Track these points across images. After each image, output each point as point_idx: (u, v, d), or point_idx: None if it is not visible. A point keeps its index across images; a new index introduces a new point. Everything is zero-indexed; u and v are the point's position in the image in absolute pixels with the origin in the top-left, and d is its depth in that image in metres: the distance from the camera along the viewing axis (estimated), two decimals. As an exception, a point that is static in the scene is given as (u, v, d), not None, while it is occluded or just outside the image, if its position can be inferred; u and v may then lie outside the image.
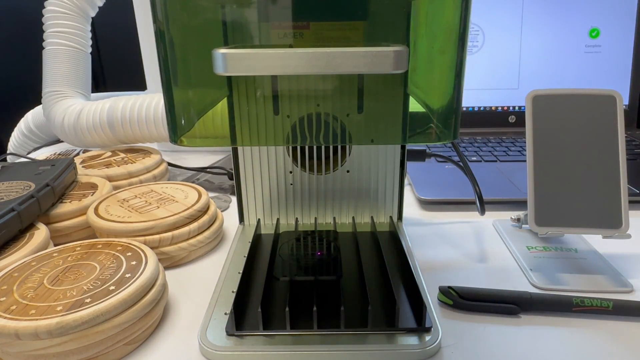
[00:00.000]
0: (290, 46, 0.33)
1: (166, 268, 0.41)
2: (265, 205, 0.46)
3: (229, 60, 0.26)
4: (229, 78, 0.35)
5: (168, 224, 0.41)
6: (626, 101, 0.79)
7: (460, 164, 0.53)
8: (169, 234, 0.41)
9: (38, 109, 0.84)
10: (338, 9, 0.33)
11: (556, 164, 0.39)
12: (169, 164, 0.63)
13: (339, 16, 0.33)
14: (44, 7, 0.65)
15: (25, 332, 0.27)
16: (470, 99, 0.81)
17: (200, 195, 0.46)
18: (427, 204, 0.54)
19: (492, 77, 0.80)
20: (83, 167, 0.56)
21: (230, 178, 0.61)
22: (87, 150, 0.69)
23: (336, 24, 0.33)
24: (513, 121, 0.81)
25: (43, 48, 0.65)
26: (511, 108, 0.81)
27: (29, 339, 0.27)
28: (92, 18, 0.69)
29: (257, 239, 0.43)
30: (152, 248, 0.37)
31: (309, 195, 0.45)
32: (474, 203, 0.47)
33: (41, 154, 0.78)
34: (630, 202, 0.38)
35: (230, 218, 0.50)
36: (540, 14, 0.78)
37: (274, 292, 0.35)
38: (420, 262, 0.41)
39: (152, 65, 0.74)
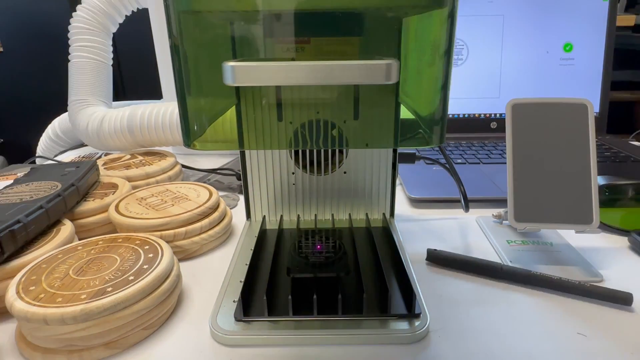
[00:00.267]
0: (293, 59, 0.33)
1: (180, 260, 0.41)
2: (270, 203, 0.46)
3: (238, 72, 0.26)
4: (237, 88, 0.35)
5: (182, 220, 0.41)
6: (597, 109, 0.79)
7: (447, 165, 0.53)
8: (183, 229, 0.41)
9: (64, 115, 0.84)
10: (336, 25, 0.33)
11: (533, 165, 0.39)
12: (183, 166, 0.63)
13: (337, 32, 0.33)
14: (70, 24, 0.65)
15: (52, 318, 0.27)
16: (456, 106, 0.81)
17: (211, 194, 0.45)
18: (417, 202, 0.54)
19: (475, 87, 0.80)
20: (105, 168, 0.56)
21: (238, 178, 0.61)
22: (109, 154, 0.69)
23: (334, 39, 0.33)
24: (494, 127, 0.81)
25: (69, 61, 0.65)
26: (493, 115, 0.81)
27: (56, 324, 0.27)
28: (113, 33, 0.69)
29: (262, 234, 0.43)
30: (167, 242, 0.37)
31: (309, 194, 0.45)
32: (459, 201, 0.47)
33: (67, 157, 0.78)
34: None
35: (238, 215, 0.50)
36: (519, 30, 0.78)
37: (278, 282, 0.35)
38: (411, 254, 0.41)
39: (167, 76, 0.74)
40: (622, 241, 0.43)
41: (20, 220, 0.34)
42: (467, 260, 0.38)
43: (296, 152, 0.44)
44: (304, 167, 0.44)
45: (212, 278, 0.38)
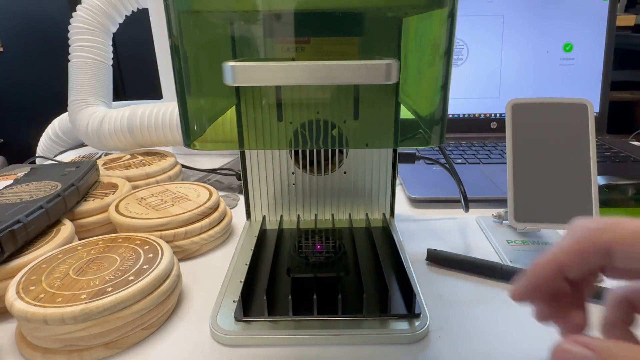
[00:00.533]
0: (293, 59, 0.33)
1: (180, 260, 0.41)
2: (270, 203, 0.46)
3: (238, 72, 0.26)
4: (237, 88, 0.35)
5: (182, 220, 0.41)
6: (597, 109, 0.79)
7: (447, 165, 0.53)
8: (183, 229, 0.41)
9: (64, 115, 0.84)
10: (336, 25, 0.33)
11: (533, 165, 0.39)
12: (183, 166, 0.63)
13: (337, 32, 0.33)
14: (70, 24, 0.65)
15: (52, 318, 0.27)
16: (456, 106, 0.81)
17: (211, 194, 0.45)
18: (417, 202, 0.54)
19: (475, 87, 0.80)
20: (105, 168, 0.56)
21: (238, 178, 0.61)
22: (109, 154, 0.69)
23: (334, 39, 0.33)
24: (494, 127, 0.81)
25: (69, 61, 0.65)
26: (493, 115, 0.81)
27: (56, 324, 0.27)
28: (113, 33, 0.69)
29: (262, 234, 0.43)
30: (167, 242, 0.37)
31: (309, 194, 0.45)
32: (459, 201, 0.47)
33: (67, 157, 0.78)
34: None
35: (238, 215, 0.50)
36: (519, 30, 0.78)
37: (278, 282, 0.35)
38: (411, 254, 0.41)
39: (167, 76, 0.74)
40: None
41: (20, 220, 0.34)
42: (467, 260, 0.38)
43: (296, 152, 0.44)
44: (304, 167, 0.44)
45: (212, 278, 0.38)
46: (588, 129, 0.38)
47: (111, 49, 0.68)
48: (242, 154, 0.43)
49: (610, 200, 0.49)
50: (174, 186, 0.49)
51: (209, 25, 0.32)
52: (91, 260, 0.33)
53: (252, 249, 0.38)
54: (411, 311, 0.31)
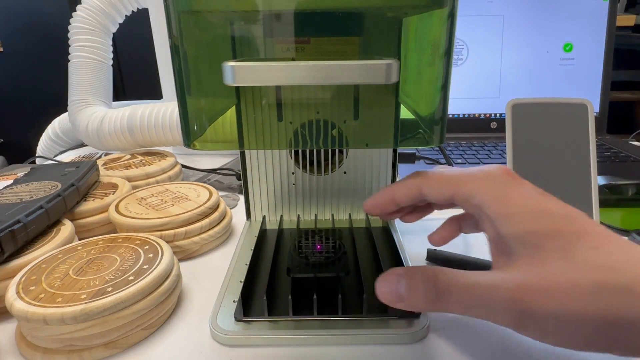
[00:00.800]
0: (293, 59, 0.33)
1: (180, 260, 0.41)
2: (270, 203, 0.46)
3: (237, 72, 0.26)
4: (237, 88, 0.35)
5: (182, 220, 0.41)
6: (597, 109, 0.79)
7: (447, 166, 0.53)
8: (183, 229, 0.41)
9: (64, 115, 0.84)
10: (336, 25, 0.33)
11: (533, 165, 0.39)
12: (183, 166, 0.63)
13: (337, 32, 0.33)
14: (70, 24, 0.65)
15: (52, 318, 0.27)
16: (456, 106, 0.81)
17: (211, 194, 0.45)
18: (417, 202, 0.54)
19: (475, 87, 0.80)
20: (105, 168, 0.56)
21: (238, 178, 0.61)
22: (109, 154, 0.69)
23: (334, 39, 0.33)
24: (494, 127, 0.81)
25: (69, 61, 0.65)
26: (493, 115, 0.81)
27: (56, 324, 0.27)
28: (113, 33, 0.69)
29: (262, 234, 0.43)
30: (167, 242, 0.37)
31: (309, 194, 0.45)
32: (459, 201, 0.46)
33: (67, 157, 0.78)
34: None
35: (238, 215, 0.50)
36: (519, 30, 0.78)
37: (278, 282, 0.35)
38: (411, 254, 0.41)
39: (167, 76, 0.74)
40: None
41: (20, 220, 0.34)
42: (467, 260, 0.38)
43: (296, 152, 0.44)
44: (304, 167, 0.44)
45: (212, 278, 0.38)
46: (588, 129, 0.38)
47: (111, 49, 0.68)
48: (242, 154, 0.43)
49: (610, 200, 0.49)
50: (174, 186, 0.49)
51: (209, 25, 0.32)
52: (91, 260, 0.33)
53: (252, 249, 0.38)
54: (411, 311, 0.31)
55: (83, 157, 0.75)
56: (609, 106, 0.79)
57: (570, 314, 0.20)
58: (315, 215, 0.46)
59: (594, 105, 0.48)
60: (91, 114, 0.64)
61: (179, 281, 0.34)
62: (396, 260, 0.37)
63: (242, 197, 0.50)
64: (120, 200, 0.45)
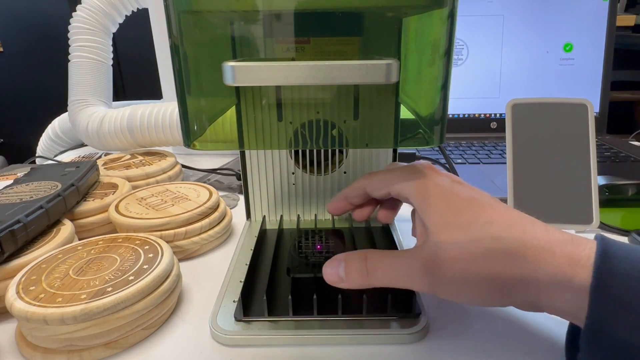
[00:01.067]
0: (293, 59, 0.33)
1: (180, 260, 0.41)
2: (270, 203, 0.46)
3: (237, 72, 0.26)
4: (237, 88, 0.35)
5: (182, 220, 0.41)
6: (597, 109, 0.79)
7: (447, 165, 0.53)
8: (183, 229, 0.41)
9: (64, 115, 0.84)
10: (336, 25, 0.33)
11: (533, 165, 0.39)
12: (183, 166, 0.63)
13: (337, 32, 0.33)
14: (70, 24, 0.65)
15: (52, 318, 0.27)
16: (456, 106, 0.81)
17: (211, 194, 0.45)
18: (417, 202, 0.54)
19: (475, 87, 0.80)
20: (105, 168, 0.56)
21: (238, 179, 0.61)
22: (109, 154, 0.69)
23: (334, 39, 0.33)
24: (494, 127, 0.81)
25: (69, 61, 0.65)
26: (493, 115, 0.81)
27: (56, 324, 0.27)
28: (113, 33, 0.69)
29: (262, 234, 0.43)
30: (167, 242, 0.37)
31: (309, 194, 0.45)
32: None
33: (67, 157, 0.78)
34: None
35: (238, 215, 0.50)
36: (519, 30, 0.78)
37: (278, 282, 0.35)
38: (410, 254, 0.41)
39: (167, 76, 0.74)
40: (622, 241, 0.43)
41: (20, 220, 0.34)
42: None
43: (296, 152, 0.44)
44: (304, 167, 0.44)
45: (212, 278, 0.38)
46: (588, 129, 0.38)
47: (111, 49, 0.68)
48: (242, 154, 0.43)
49: (610, 200, 0.49)
50: (174, 186, 0.49)
51: (209, 25, 0.32)
52: (91, 260, 0.33)
53: (252, 249, 0.38)
54: (411, 311, 0.31)
55: (83, 157, 0.75)
56: (609, 106, 0.79)
57: (469, 277, 0.25)
58: (315, 215, 0.46)
59: (594, 105, 0.48)
60: (91, 114, 0.64)
61: (179, 281, 0.34)
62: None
63: (242, 197, 0.50)
64: (120, 200, 0.45)
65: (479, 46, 0.79)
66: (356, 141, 0.36)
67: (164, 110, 0.62)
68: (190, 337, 0.31)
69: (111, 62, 0.68)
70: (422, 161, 0.32)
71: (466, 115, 0.81)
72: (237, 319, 0.31)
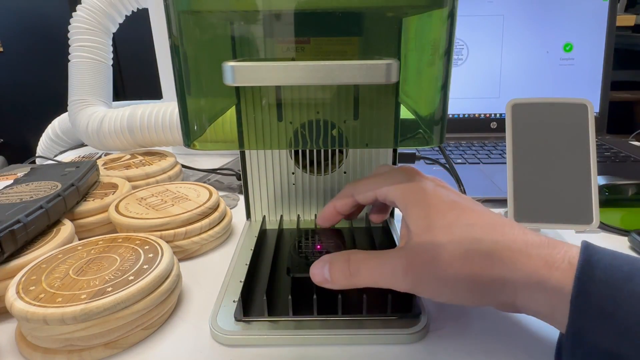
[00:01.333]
0: (293, 59, 0.33)
1: (180, 260, 0.41)
2: (270, 203, 0.46)
3: (237, 72, 0.26)
4: (237, 88, 0.35)
5: (182, 220, 0.41)
6: (597, 109, 0.79)
7: (447, 165, 0.53)
8: (183, 229, 0.41)
9: (64, 115, 0.84)
10: (336, 25, 0.33)
11: (533, 165, 0.39)
12: (183, 166, 0.63)
13: (337, 32, 0.33)
14: (70, 24, 0.65)
15: (52, 318, 0.27)
16: (456, 106, 0.81)
17: (211, 194, 0.45)
18: (417, 202, 0.54)
19: (475, 87, 0.80)
20: (105, 168, 0.56)
21: (238, 179, 0.61)
22: (109, 154, 0.69)
23: (334, 39, 0.33)
24: (494, 127, 0.81)
25: (69, 61, 0.65)
26: (493, 115, 0.81)
27: (56, 324, 0.27)
28: (113, 33, 0.69)
29: (262, 234, 0.43)
30: (167, 242, 0.37)
31: (309, 194, 0.45)
32: (459, 201, 0.46)
33: (67, 157, 0.78)
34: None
35: (238, 215, 0.50)
36: (519, 30, 0.78)
37: (278, 282, 0.35)
38: (410, 254, 0.41)
39: (167, 76, 0.74)
40: (622, 241, 0.43)
41: (20, 220, 0.34)
42: None
43: (296, 152, 0.44)
44: (304, 167, 0.44)
45: (212, 278, 0.38)
46: (588, 129, 0.38)
47: (111, 49, 0.68)
48: (242, 154, 0.43)
49: (610, 200, 0.49)
50: (174, 186, 0.49)
51: (209, 25, 0.32)
52: (91, 260, 0.33)
53: (252, 249, 0.38)
54: (411, 311, 0.31)
55: (83, 157, 0.75)
56: (609, 106, 0.79)
57: (449, 277, 0.26)
58: (315, 215, 0.46)
59: (594, 105, 0.48)
60: (91, 114, 0.64)
61: (179, 281, 0.34)
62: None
63: (242, 197, 0.50)
64: (120, 200, 0.45)
65: (479, 46, 0.79)
66: (356, 141, 0.36)
67: (164, 110, 0.62)
68: (190, 337, 0.31)
69: (111, 62, 0.68)
70: (406, 166, 0.34)
71: (466, 115, 0.81)
72: (237, 319, 0.31)
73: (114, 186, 0.49)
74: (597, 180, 0.38)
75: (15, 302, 0.28)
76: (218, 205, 0.45)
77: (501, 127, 0.81)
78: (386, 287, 0.28)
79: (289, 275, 0.33)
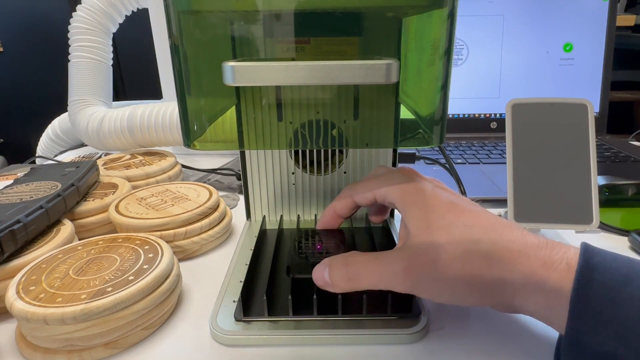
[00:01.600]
0: (293, 59, 0.33)
1: (180, 260, 0.41)
2: (270, 203, 0.46)
3: (237, 72, 0.26)
4: (237, 88, 0.35)
5: (182, 220, 0.41)
6: (597, 109, 0.79)
7: (447, 165, 0.53)
8: (183, 229, 0.41)
9: (64, 115, 0.84)
10: (336, 25, 0.33)
11: (533, 165, 0.39)
12: (183, 166, 0.63)
13: (337, 32, 0.33)
14: (70, 24, 0.65)
15: (52, 318, 0.27)
16: (456, 106, 0.81)
17: (211, 194, 0.45)
18: (417, 202, 0.54)
19: (475, 87, 0.80)
20: (105, 168, 0.56)
21: (238, 178, 0.61)
22: (109, 154, 0.69)
23: (334, 39, 0.33)
24: (494, 127, 0.81)
25: (69, 61, 0.65)
26: (493, 115, 0.81)
27: (56, 324, 0.27)
28: (113, 33, 0.69)
29: (262, 234, 0.43)
30: (167, 242, 0.37)
31: (309, 194, 0.45)
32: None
33: (67, 157, 0.78)
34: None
35: (238, 215, 0.50)
36: (519, 30, 0.78)
37: (278, 282, 0.35)
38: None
39: (167, 76, 0.74)
40: (622, 241, 0.43)
41: (20, 220, 0.34)
42: None
43: (296, 152, 0.44)
44: (304, 167, 0.44)
45: (212, 278, 0.38)
46: (588, 129, 0.38)
47: (111, 49, 0.68)
48: (242, 154, 0.43)
49: (610, 200, 0.49)
50: (174, 186, 0.49)
51: (209, 25, 0.32)
52: (91, 260, 0.33)
53: (252, 249, 0.38)
54: (411, 311, 0.31)
55: (83, 157, 0.75)
56: (609, 106, 0.79)
57: (447, 278, 0.26)
58: (315, 215, 0.46)
59: (594, 105, 0.48)
60: (91, 114, 0.64)
61: (179, 281, 0.34)
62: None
63: (242, 197, 0.50)
64: (120, 200, 0.45)
65: (479, 46, 0.79)
66: (356, 141, 0.36)
67: (164, 110, 0.62)
68: (190, 337, 0.31)
69: (111, 62, 0.68)
70: (403, 168, 0.33)
71: (466, 115, 0.81)
72: (237, 319, 0.31)
73: (114, 186, 0.49)
74: (597, 180, 0.38)
75: (15, 302, 0.28)
76: (218, 205, 0.45)
77: (501, 127, 0.81)
78: (385, 289, 0.28)
79: (289, 276, 0.33)
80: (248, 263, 0.36)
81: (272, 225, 0.45)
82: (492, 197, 0.53)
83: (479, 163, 0.65)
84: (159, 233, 0.40)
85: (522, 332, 0.31)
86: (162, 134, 0.62)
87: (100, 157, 0.70)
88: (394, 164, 0.44)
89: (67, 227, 0.39)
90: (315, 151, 0.44)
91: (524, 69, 0.79)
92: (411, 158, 0.50)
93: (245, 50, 0.32)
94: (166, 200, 0.45)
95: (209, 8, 0.29)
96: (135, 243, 0.35)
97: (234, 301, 0.32)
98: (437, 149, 0.71)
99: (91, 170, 0.48)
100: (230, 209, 0.51)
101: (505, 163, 0.39)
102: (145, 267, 0.32)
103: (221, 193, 0.57)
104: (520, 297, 0.25)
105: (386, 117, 0.35)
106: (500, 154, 0.69)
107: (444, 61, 0.28)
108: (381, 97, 0.34)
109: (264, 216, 0.46)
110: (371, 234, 0.41)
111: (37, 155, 0.86)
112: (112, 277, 0.30)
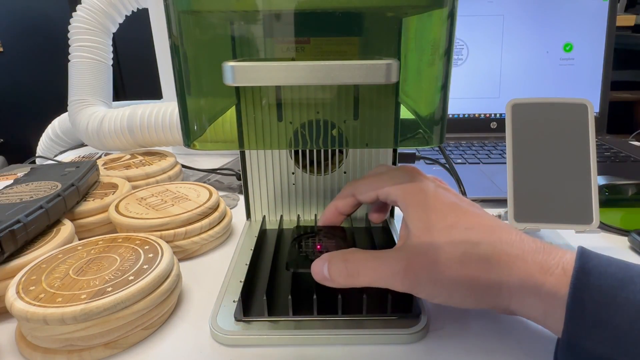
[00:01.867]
0: (293, 59, 0.33)
1: (180, 260, 0.41)
2: (270, 203, 0.46)
3: (237, 72, 0.26)
4: (237, 88, 0.35)
5: (182, 220, 0.41)
6: (597, 109, 0.79)
7: (447, 165, 0.53)
8: (183, 229, 0.41)
9: (64, 115, 0.84)
10: (336, 25, 0.33)
11: (533, 165, 0.39)
12: (183, 166, 0.63)
13: (337, 32, 0.33)
14: (70, 24, 0.65)
15: (52, 318, 0.27)
16: (456, 106, 0.81)
17: (211, 194, 0.45)
18: (417, 202, 0.54)
19: (475, 87, 0.80)
20: (105, 168, 0.56)
21: (238, 178, 0.61)
22: (109, 154, 0.69)
23: (334, 39, 0.33)
24: (494, 127, 0.81)
25: (69, 61, 0.65)
26: (493, 115, 0.81)
27: (56, 324, 0.27)
28: (113, 33, 0.69)
29: (262, 234, 0.43)
30: (167, 242, 0.37)
31: (309, 194, 0.45)
32: (459, 201, 0.46)
33: (67, 157, 0.78)
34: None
35: (238, 215, 0.50)
36: (519, 30, 0.78)
37: (278, 282, 0.35)
38: (410, 254, 0.41)
39: (167, 76, 0.74)
40: (622, 241, 0.43)
41: (20, 220, 0.34)
42: None
43: (296, 152, 0.44)
44: (304, 167, 0.44)
45: (212, 278, 0.38)
46: (588, 129, 0.38)
47: (111, 49, 0.68)
48: (242, 154, 0.43)
49: (610, 200, 0.49)
50: (174, 186, 0.49)
51: (209, 25, 0.32)
52: (91, 260, 0.33)
53: (252, 249, 0.38)
54: (411, 311, 0.31)
55: (83, 157, 0.75)
56: (609, 106, 0.79)
57: (446, 279, 0.26)
58: (315, 215, 0.46)
59: (594, 105, 0.48)
60: (91, 114, 0.64)
61: (179, 281, 0.34)
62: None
63: (242, 197, 0.50)
64: (120, 200, 0.45)
65: (479, 46, 0.79)
66: (356, 141, 0.36)
67: (164, 110, 0.62)
68: (190, 337, 0.31)
69: (111, 62, 0.68)
70: (406, 166, 0.34)
71: (466, 115, 0.81)
72: (237, 319, 0.31)
73: (114, 186, 0.49)
74: (597, 180, 0.38)
75: (15, 302, 0.28)
76: (218, 205, 0.45)
77: (501, 127, 0.81)
78: (383, 287, 0.28)
79: (288, 270, 0.33)
80: (248, 263, 0.36)
81: (272, 225, 0.45)
82: (492, 197, 0.53)
83: (479, 163, 0.65)
84: (159, 233, 0.39)
85: (522, 332, 0.31)
86: (162, 134, 0.62)
87: (100, 157, 0.70)
88: (394, 164, 0.44)
89: (67, 227, 0.39)
90: (315, 151, 0.44)
91: (524, 69, 0.79)
92: (411, 158, 0.50)
93: (245, 50, 0.32)
94: (166, 200, 0.45)
95: (209, 8, 0.29)
96: (135, 243, 0.35)
97: (234, 301, 0.32)
98: (437, 149, 0.71)
99: (91, 170, 0.48)
100: (230, 209, 0.51)
101: (505, 163, 0.39)
102: (145, 267, 0.32)
103: (221, 193, 0.57)
104: (516, 301, 0.26)
105: (386, 117, 0.35)
106: (500, 154, 0.69)
107: (444, 61, 0.28)
108: (381, 97, 0.34)
109: (264, 216, 0.46)
110: (371, 234, 0.41)
111: (37, 155, 0.86)
112: (112, 277, 0.30)
